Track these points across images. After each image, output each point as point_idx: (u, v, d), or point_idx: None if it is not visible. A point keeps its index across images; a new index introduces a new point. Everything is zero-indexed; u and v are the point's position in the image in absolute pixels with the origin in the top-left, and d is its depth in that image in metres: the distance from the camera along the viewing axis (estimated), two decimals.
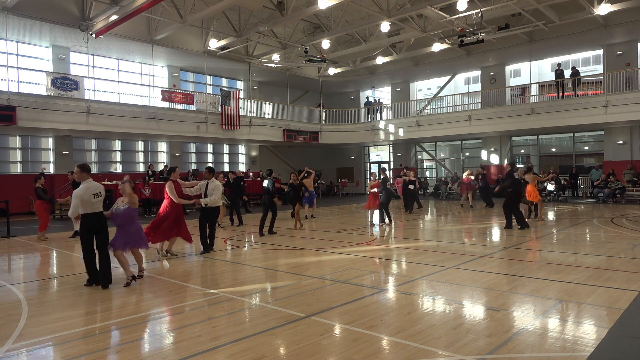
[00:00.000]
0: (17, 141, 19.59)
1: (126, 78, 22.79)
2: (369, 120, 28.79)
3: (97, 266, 6.49)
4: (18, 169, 19.65)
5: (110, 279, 6.47)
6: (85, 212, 6.35)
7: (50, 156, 20.34)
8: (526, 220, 12.06)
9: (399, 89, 29.33)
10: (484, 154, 26.01)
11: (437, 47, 21.64)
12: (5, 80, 17.08)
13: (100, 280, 6.42)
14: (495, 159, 25.48)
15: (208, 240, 9.20)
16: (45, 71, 18.26)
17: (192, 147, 25.82)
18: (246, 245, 10.41)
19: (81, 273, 7.38)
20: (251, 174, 24.41)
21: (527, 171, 13.16)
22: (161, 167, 22.38)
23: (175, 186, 8.70)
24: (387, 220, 13.25)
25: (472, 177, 19.01)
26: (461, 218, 15.33)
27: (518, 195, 11.97)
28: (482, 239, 10.69)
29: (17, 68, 18.19)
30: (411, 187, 17.70)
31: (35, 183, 11.70)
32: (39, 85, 17.88)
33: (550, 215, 15.36)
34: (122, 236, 6.62)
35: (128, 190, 6.62)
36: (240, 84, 27.72)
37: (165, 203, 8.76)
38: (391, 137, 27.12)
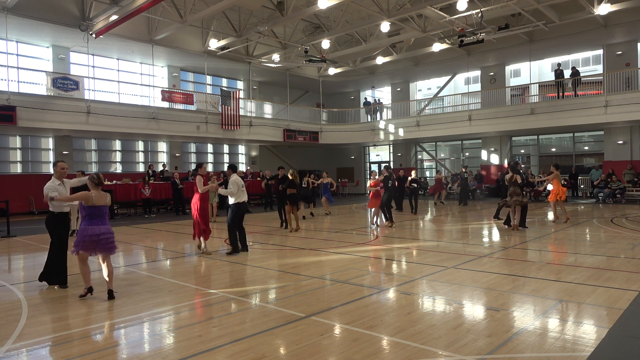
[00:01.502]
0: (17, 141, 19.60)
1: (126, 78, 22.80)
2: (369, 120, 28.80)
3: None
4: (18, 169, 19.65)
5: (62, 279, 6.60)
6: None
7: (50, 156, 20.33)
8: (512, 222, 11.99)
9: (399, 89, 29.34)
10: (484, 154, 26.02)
11: (437, 47, 21.65)
12: (5, 80, 17.09)
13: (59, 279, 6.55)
14: (495, 159, 25.49)
15: (239, 240, 9.15)
16: (45, 71, 18.27)
17: (192, 147, 25.83)
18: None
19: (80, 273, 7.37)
20: (263, 172, 24.01)
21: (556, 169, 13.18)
22: (161, 167, 22.37)
23: (204, 181, 9.12)
24: (384, 219, 13.29)
25: (443, 177, 21.14)
26: (461, 218, 15.33)
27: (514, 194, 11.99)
28: (482, 239, 10.69)
29: (17, 68, 18.19)
30: (414, 185, 17.78)
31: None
32: (39, 85, 17.88)
33: (550, 216, 15.36)
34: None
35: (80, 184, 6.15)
36: (240, 84, 27.72)
37: (194, 199, 9.08)
38: (391, 137, 27.12)
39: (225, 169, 9.75)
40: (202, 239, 9.07)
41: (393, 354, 3.93)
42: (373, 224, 13.43)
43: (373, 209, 13.70)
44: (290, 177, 12.36)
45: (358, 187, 31.70)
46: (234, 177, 9.07)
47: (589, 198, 21.56)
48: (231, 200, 9.02)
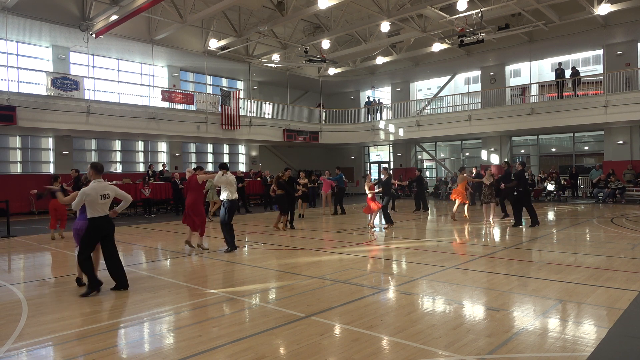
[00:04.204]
0: (17, 141, 19.59)
1: (126, 78, 22.79)
2: (369, 120, 28.80)
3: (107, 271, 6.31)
4: (18, 169, 19.64)
5: (127, 280, 6.35)
6: (93, 215, 6.07)
7: (50, 156, 20.33)
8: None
9: (399, 89, 29.33)
10: (484, 154, 26.01)
11: (437, 47, 21.64)
12: (5, 80, 17.07)
13: (122, 284, 6.25)
14: (495, 159, 25.47)
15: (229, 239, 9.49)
16: (45, 71, 18.26)
17: (192, 147, 25.82)
18: (246, 245, 10.41)
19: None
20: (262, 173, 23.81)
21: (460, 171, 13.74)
22: (161, 167, 22.36)
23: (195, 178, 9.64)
24: (384, 221, 13.17)
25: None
26: (461, 218, 15.30)
27: (528, 194, 12.27)
28: (483, 239, 10.69)
29: (17, 68, 18.18)
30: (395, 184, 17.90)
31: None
32: (39, 85, 17.87)
33: (551, 215, 15.38)
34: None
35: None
36: (240, 84, 27.72)
37: (191, 197, 9.58)
38: (391, 137, 27.12)
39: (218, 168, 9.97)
40: (196, 234, 9.52)
41: (393, 354, 3.93)
42: (374, 227, 13.12)
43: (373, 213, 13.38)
44: (281, 178, 12.59)
45: (358, 187, 31.67)
46: (226, 175, 9.24)
47: (589, 198, 21.56)
48: (225, 197, 9.18)
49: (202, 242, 9.58)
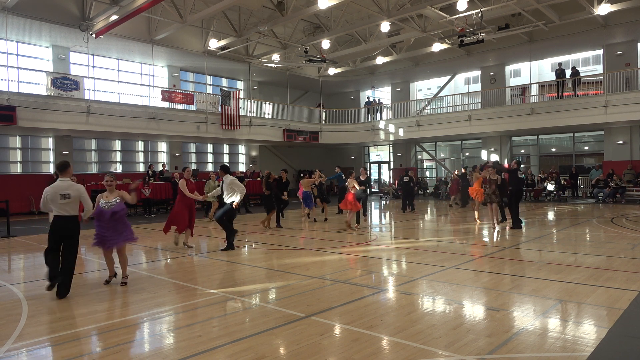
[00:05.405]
0: (17, 141, 19.59)
1: (126, 78, 22.80)
2: (369, 120, 28.80)
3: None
4: (18, 169, 19.65)
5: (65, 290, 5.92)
6: (54, 214, 5.97)
7: (50, 156, 20.33)
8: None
9: (399, 89, 29.34)
10: (484, 154, 26.02)
11: (437, 47, 21.65)
12: (5, 80, 17.09)
13: (60, 291, 5.85)
14: (495, 159, 25.46)
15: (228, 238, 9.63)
16: (45, 71, 18.27)
17: (192, 147, 25.83)
18: (246, 245, 10.41)
19: (81, 273, 7.40)
20: (262, 173, 24.14)
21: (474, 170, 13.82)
22: (161, 167, 22.35)
23: (188, 184, 9.74)
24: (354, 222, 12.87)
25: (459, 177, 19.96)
26: (460, 218, 15.32)
27: (520, 194, 12.19)
28: (482, 239, 10.69)
29: (17, 68, 18.19)
30: (406, 178, 17.86)
31: None
32: (39, 85, 17.89)
33: (551, 215, 15.38)
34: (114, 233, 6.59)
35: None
36: (240, 84, 27.73)
37: (177, 198, 9.97)
38: (391, 137, 27.12)
39: (219, 170, 9.84)
40: (177, 233, 9.92)
41: (393, 354, 3.93)
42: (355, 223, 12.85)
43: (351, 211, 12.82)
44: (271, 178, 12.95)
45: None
46: (232, 178, 9.36)
47: (589, 198, 21.56)
48: (234, 199, 9.21)
49: (177, 239, 10.07)
